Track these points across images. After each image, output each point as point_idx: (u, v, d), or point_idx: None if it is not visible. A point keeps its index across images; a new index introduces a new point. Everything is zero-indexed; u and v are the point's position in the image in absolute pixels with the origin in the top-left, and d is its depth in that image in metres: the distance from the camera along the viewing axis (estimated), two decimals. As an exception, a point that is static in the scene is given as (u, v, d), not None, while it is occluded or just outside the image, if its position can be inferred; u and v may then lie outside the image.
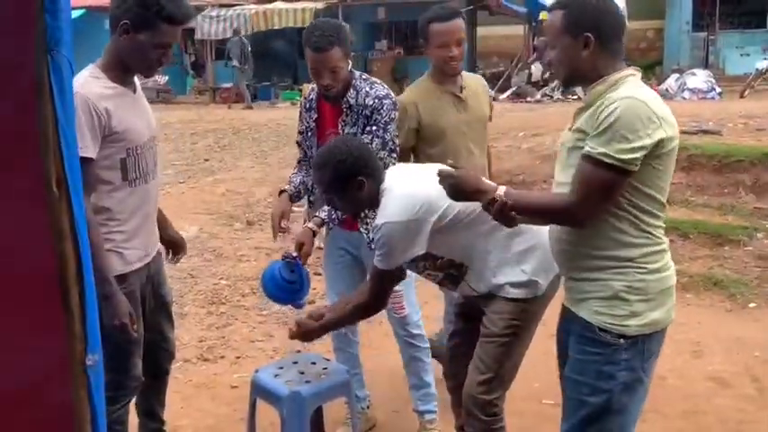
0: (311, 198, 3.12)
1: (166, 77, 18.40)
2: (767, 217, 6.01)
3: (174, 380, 3.20)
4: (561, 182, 2.09)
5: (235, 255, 5.84)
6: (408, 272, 3.08)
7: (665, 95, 13.04)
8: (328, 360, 3.00)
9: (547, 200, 2.12)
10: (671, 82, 14.73)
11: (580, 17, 2.00)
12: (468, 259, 2.50)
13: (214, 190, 7.58)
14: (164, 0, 2.29)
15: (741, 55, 17.98)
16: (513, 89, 16.31)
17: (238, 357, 4.20)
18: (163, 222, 2.84)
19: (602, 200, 1.95)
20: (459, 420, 2.79)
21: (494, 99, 3.27)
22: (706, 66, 17.90)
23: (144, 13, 2.29)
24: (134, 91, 2.52)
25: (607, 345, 2.03)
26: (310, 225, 2.88)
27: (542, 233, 2.30)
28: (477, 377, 2.51)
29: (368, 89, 2.90)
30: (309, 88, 3.10)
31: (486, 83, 3.51)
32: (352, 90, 2.89)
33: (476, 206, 2.19)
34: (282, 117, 13.01)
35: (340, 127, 2.93)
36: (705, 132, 7.50)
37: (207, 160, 9.81)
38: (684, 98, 13.54)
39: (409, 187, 2.43)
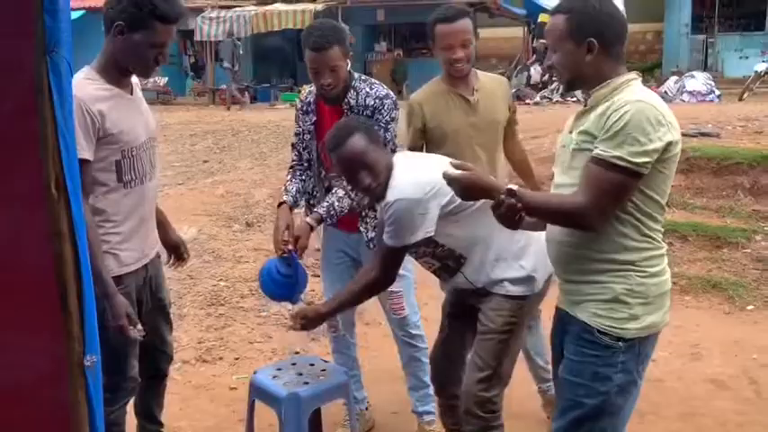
0: (312, 201, 3.11)
1: (166, 79, 18.35)
2: (765, 219, 6.01)
3: (172, 381, 3.20)
4: (562, 183, 2.09)
5: (234, 256, 5.82)
6: (408, 274, 3.09)
7: (665, 98, 12.96)
8: (327, 362, 3.00)
9: (558, 201, 2.07)
10: (670, 84, 14.72)
11: (583, 22, 1.99)
12: (468, 250, 2.51)
13: (213, 191, 7.55)
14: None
15: (740, 57, 18.06)
16: (512, 91, 16.29)
17: (237, 359, 4.19)
18: (165, 226, 2.84)
19: (613, 202, 1.94)
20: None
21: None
22: (705, 68, 17.93)
23: (138, 13, 2.30)
24: (131, 92, 2.51)
25: (605, 347, 2.03)
26: (308, 220, 2.88)
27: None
28: (476, 375, 2.53)
29: (368, 90, 2.90)
30: (307, 90, 3.08)
31: (508, 85, 3.42)
32: (351, 91, 2.89)
33: None
34: (282, 119, 12.97)
35: (340, 128, 2.92)
36: (704, 135, 7.49)
37: (206, 162, 9.78)
38: (683, 100, 13.52)
39: (419, 169, 2.48)
